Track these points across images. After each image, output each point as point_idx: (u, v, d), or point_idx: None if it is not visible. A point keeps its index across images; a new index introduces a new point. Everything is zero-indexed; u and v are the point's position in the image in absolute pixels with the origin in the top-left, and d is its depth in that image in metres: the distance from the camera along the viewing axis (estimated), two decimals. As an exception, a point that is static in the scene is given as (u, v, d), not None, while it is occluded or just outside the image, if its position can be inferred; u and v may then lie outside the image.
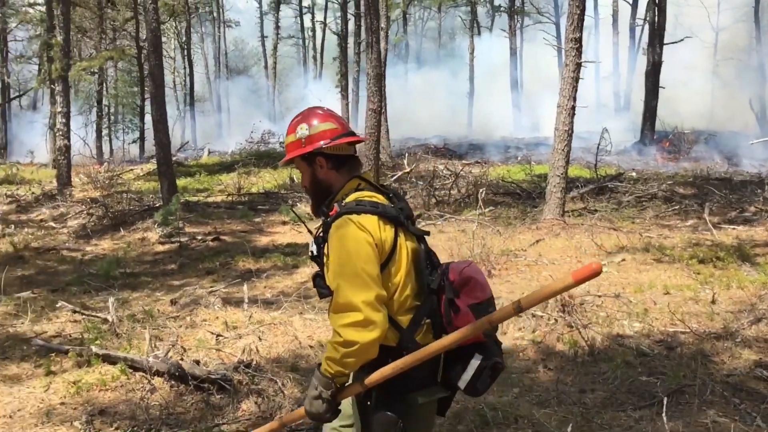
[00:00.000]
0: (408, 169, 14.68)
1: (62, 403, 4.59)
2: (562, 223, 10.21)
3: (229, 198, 15.71)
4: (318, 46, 44.41)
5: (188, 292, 7.43)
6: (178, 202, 11.44)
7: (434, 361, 2.29)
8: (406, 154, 17.92)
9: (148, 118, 34.04)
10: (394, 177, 14.24)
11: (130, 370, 5.01)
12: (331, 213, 2.31)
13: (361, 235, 2.20)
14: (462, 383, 2.27)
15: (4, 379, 5.01)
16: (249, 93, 44.34)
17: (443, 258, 7.73)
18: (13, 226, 12.58)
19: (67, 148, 17.99)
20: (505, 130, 30.63)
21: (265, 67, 45.55)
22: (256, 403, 4.44)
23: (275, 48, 42.45)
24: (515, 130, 31.45)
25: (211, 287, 7.93)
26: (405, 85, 38.22)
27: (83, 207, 14.23)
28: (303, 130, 2.42)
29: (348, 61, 30.73)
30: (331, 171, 2.41)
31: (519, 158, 20.77)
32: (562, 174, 10.44)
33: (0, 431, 4.20)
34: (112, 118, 37.50)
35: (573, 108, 10.29)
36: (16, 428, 4.23)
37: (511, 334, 5.75)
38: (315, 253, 2.39)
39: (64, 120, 18.41)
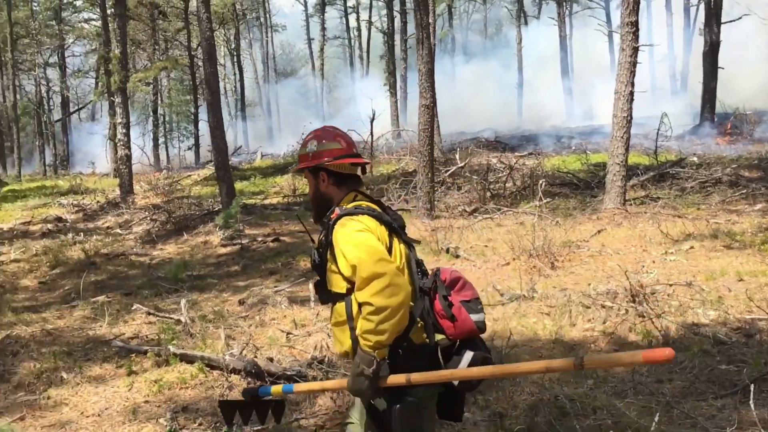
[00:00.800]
0: (461, 164, 14.60)
1: (146, 401, 4.77)
2: (623, 212, 10.00)
3: (285, 199, 15.96)
4: (364, 45, 44.62)
5: (255, 292, 7.60)
6: (238, 205, 11.69)
7: (434, 359, 2.44)
8: (458, 149, 17.83)
9: (201, 125, 34.88)
10: (448, 172, 14.20)
11: (208, 369, 5.17)
12: (332, 216, 2.50)
13: (361, 227, 2.41)
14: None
15: (89, 380, 5.24)
16: (298, 95, 44.91)
17: (504, 251, 7.67)
18: (82, 234, 13.08)
19: (128, 157, 18.59)
20: (557, 120, 30.14)
21: (313, 68, 46.02)
22: (331, 398, 4.51)
23: (322, 49, 42.85)
24: (567, 119, 30.91)
25: (275, 287, 8.08)
26: (453, 79, 37.99)
27: (146, 213, 14.69)
28: (312, 146, 2.65)
29: (395, 59, 30.77)
30: (332, 186, 2.62)
31: (573, 147, 20.40)
32: (621, 162, 10.23)
33: (90, 429, 4.39)
34: (167, 126, 38.52)
35: (631, 93, 10.06)
36: (105, 426, 4.42)
37: (581, 326, 5.67)
38: (317, 261, 2.59)
39: (124, 130, 19.03)
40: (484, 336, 2.60)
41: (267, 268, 9.55)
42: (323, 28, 42.69)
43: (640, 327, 5.39)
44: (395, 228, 2.51)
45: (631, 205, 10.59)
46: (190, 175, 23.25)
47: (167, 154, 35.17)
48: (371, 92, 28.93)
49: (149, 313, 7.02)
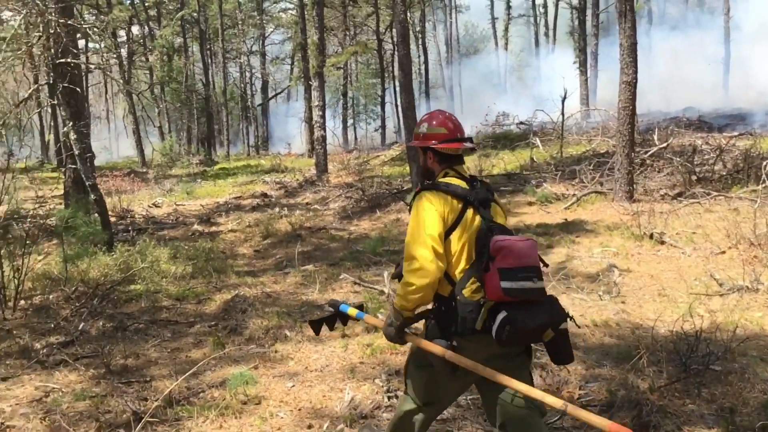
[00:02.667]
0: (663, 145, 13.67)
1: (361, 362, 5.11)
2: None
3: (472, 180, 16.02)
4: (551, 22, 43.14)
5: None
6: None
7: (474, 316, 2.74)
8: (656, 129, 16.69)
9: (387, 107, 36.05)
10: (648, 153, 13.37)
11: (415, 337, 5.39)
12: (417, 190, 2.92)
13: (429, 206, 2.81)
14: (493, 332, 2.68)
15: (308, 339, 5.71)
16: (481, 76, 44.62)
17: (717, 238, 7.12)
18: (286, 208, 14.19)
19: (324, 138, 19.78)
20: (771, 97, 26.99)
21: (496, 47, 45.42)
22: (540, 376, 4.51)
23: (506, 28, 42.13)
24: (785, 96, 27.56)
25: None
26: (649, 54, 35.48)
27: (340, 191, 15.57)
28: (423, 128, 3.06)
29: (586, 35, 29.40)
30: (436, 163, 3.04)
31: (794, 127, 18.22)
32: None
33: (316, 382, 4.81)
34: (355, 109, 40.26)
35: None
36: (328, 380, 4.81)
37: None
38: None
39: (320, 113, 20.24)
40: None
41: (459, 246, 9.70)
42: (508, 7, 41.88)
43: None
44: (470, 201, 2.85)
45: None
46: (378, 156, 24.18)
47: (355, 136, 36.75)
48: (558, 71, 27.96)
49: (355, 283, 7.48)
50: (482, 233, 2.81)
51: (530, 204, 12.36)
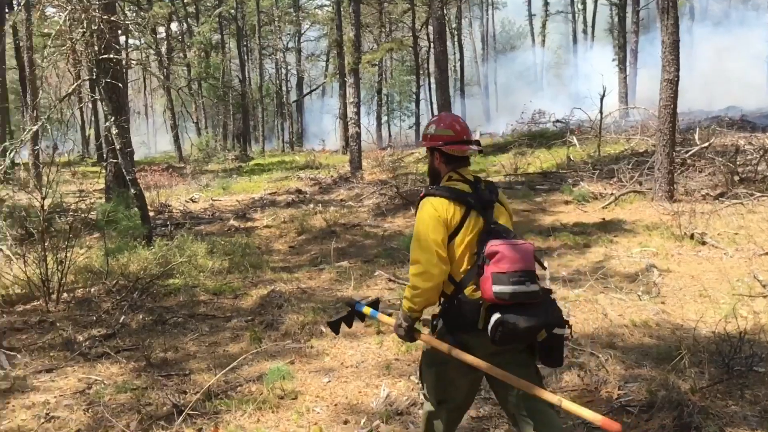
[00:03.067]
0: (704, 144, 13.37)
1: (396, 359, 5.12)
2: None
3: (506, 178, 15.89)
4: (589, 19, 42.51)
5: (487, 267, 7.71)
6: (465, 182, 11.91)
7: (476, 313, 2.87)
8: (697, 128, 16.34)
9: (421, 104, 35.96)
10: (689, 152, 13.09)
11: (450, 336, 5.38)
12: (421, 195, 3.04)
13: (432, 212, 2.92)
14: (488, 332, 2.79)
15: (344, 335, 5.72)
16: (517, 73, 44.22)
17: (761, 239, 6.95)
18: (320, 205, 14.27)
19: (359, 135, 19.81)
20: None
21: (533, 44, 44.95)
22: (578, 376, 4.47)
23: (544, 25, 41.67)
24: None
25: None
26: (690, 51, 34.72)
27: (374, 188, 15.57)
28: (430, 129, 3.18)
29: (626, 32, 28.91)
30: (442, 164, 3.13)
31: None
32: None
33: (351, 377, 4.83)
34: (390, 106, 40.26)
35: None
36: (363, 376, 4.83)
37: None
38: None
39: (355, 110, 20.27)
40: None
41: (494, 245, 9.64)
42: (546, 3, 41.42)
43: None
44: (472, 204, 2.95)
45: None
46: (412, 153, 24.12)
47: (389, 133, 36.76)
48: (596, 68, 27.54)
49: (389, 280, 7.49)
50: (482, 236, 2.92)
51: (567, 203, 12.23)
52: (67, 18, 9.69)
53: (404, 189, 14.48)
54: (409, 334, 3.09)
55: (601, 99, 16.33)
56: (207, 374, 5.00)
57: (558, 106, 25.72)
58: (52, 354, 5.59)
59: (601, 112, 16.87)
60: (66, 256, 7.33)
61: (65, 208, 9.80)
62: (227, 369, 4.46)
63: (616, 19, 31.86)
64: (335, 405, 4.39)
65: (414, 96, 34.09)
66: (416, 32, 31.54)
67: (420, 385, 3.26)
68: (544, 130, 23.28)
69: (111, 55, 9.80)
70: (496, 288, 2.75)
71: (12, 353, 5.57)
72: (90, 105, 33.67)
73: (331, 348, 5.48)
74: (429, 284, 2.89)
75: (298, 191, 17.07)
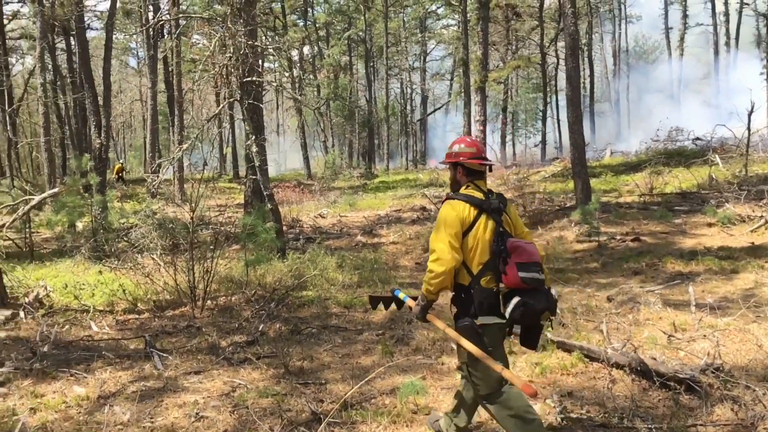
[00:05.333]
0: None
1: (530, 381, 4.99)
2: None
3: (641, 198, 15.17)
4: (732, 31, 39.83)
5: (624, 290, 7.38)
6: (598, 202, 11.50)
7: (494, 300, 3.48)
8: None
9: (548, 122, 35.18)
10: None
11: (587, 359, 5.20)
12: (443, 199, 3.75)
13: (451, 211, 3.56)
14: (506, 313, 3.42)
15: (475, 354, 5.68)
16: (651, 89, 42.18)
17: None
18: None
19: (484, 152, 19.66)
20: None
21: (669, 58, 42.75)
22: (732, 409, 4.15)
23: (682, 38, 39.53)
24: None
25: (640, 287, 7.75)
26: None
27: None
28: (455, 148, 3.79)
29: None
30: (463, 176, 3.74)
31: None
32: None
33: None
34: (515, 124, 39.72)
35: None
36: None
37: None
38: None
39: (481, 128, 20.21)
40: None
41: (629, 267, 9.22)
42: (685, 15, 39.30)
43: None
44: (485, 208, 3.55)
45: None
46: (538, 171, 23.65)
47: (513, 151, 36.26)
48: (741, 82, 25.70)
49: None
50: (497, 235, 3.52)
51: (710, 225, 11.49)
52: (217, 43, 10.42)
53: (531, 208, 14.20)
54: (423, 313, 3.73)
55: (749, 115, 15.22)
56: (342, 384, 5.13)
57: (696, 123, 24.26)
58: (199, 357, 5.97)
59: (748, 128, 15.72)
60: (211, 266, 7.83)
61: (207, 221, 10.48)
62: (363, 381, 4.55)
63: (763, 31, 29.60)
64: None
65: (540, 113, 33.39)
66: (544, 49, 30.98)
67: (471, 379, 3.70)
68: (682, 148, 22.02)
69: (254, 78, 10.42)
70: (522, 274, 3.36)
71: (164, 355, 6.01)
72: (226, 124, 35.85)
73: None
74: (443, 268, 3.45)
75: (423, 209, 17.22)
